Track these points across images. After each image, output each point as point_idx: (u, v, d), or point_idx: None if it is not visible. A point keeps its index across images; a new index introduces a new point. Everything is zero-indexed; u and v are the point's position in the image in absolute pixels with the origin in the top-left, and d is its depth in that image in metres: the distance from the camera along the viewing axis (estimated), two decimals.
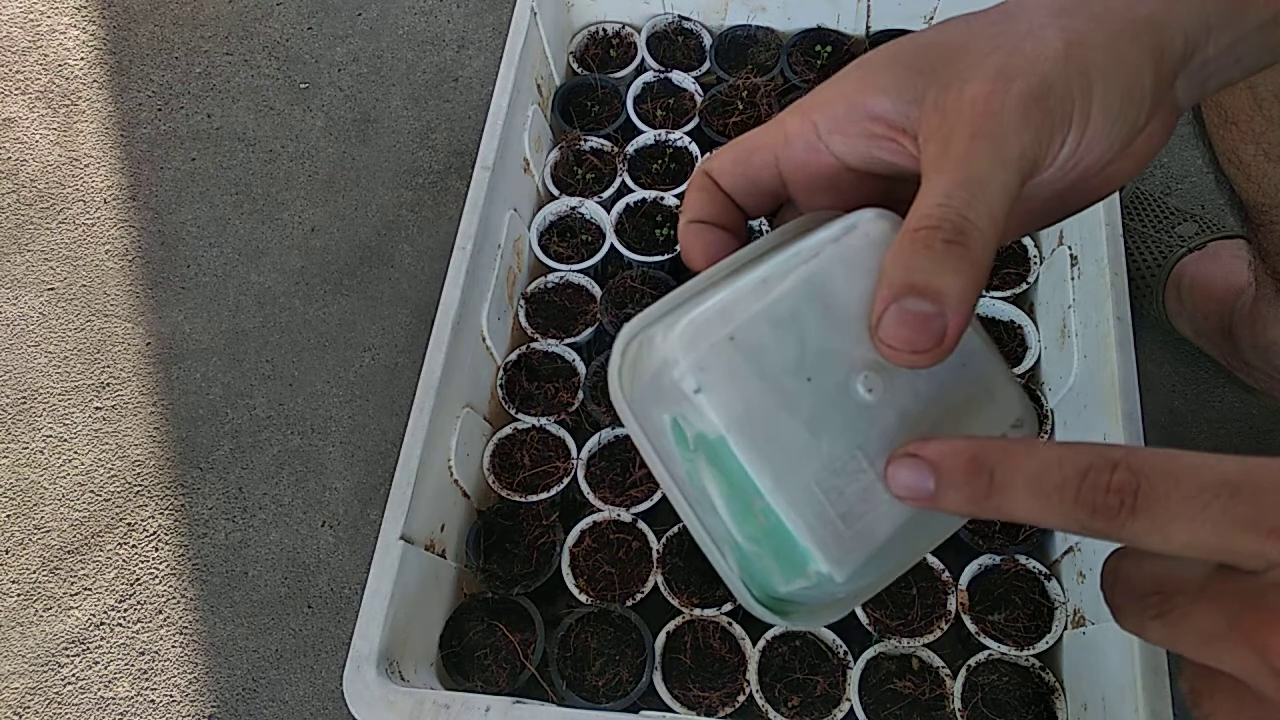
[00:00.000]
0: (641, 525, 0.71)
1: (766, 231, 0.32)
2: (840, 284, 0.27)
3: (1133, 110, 0.28)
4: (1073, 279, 0.74)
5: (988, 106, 0.26)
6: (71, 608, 0.82)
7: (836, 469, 0.26)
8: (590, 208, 0.85)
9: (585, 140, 0.88)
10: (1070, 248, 0.75)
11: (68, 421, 0.89)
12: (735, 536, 0.28)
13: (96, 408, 0.90)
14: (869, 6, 0.91)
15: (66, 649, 0.80)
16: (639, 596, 0.68)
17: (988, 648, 0.66)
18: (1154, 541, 0.23)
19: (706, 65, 0.92)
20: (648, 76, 0.91)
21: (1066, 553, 0.69)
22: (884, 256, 0.26)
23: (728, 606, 0.67)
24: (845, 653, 0.66)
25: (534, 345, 0.79)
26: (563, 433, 0.75)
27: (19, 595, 0.82)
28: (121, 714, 0.78)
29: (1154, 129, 0.30)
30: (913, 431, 0.27)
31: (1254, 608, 0.22)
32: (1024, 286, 0.79)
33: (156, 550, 0.83)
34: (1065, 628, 0.66)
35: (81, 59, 1.09)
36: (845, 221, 0.28)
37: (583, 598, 0.68)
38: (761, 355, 0.27)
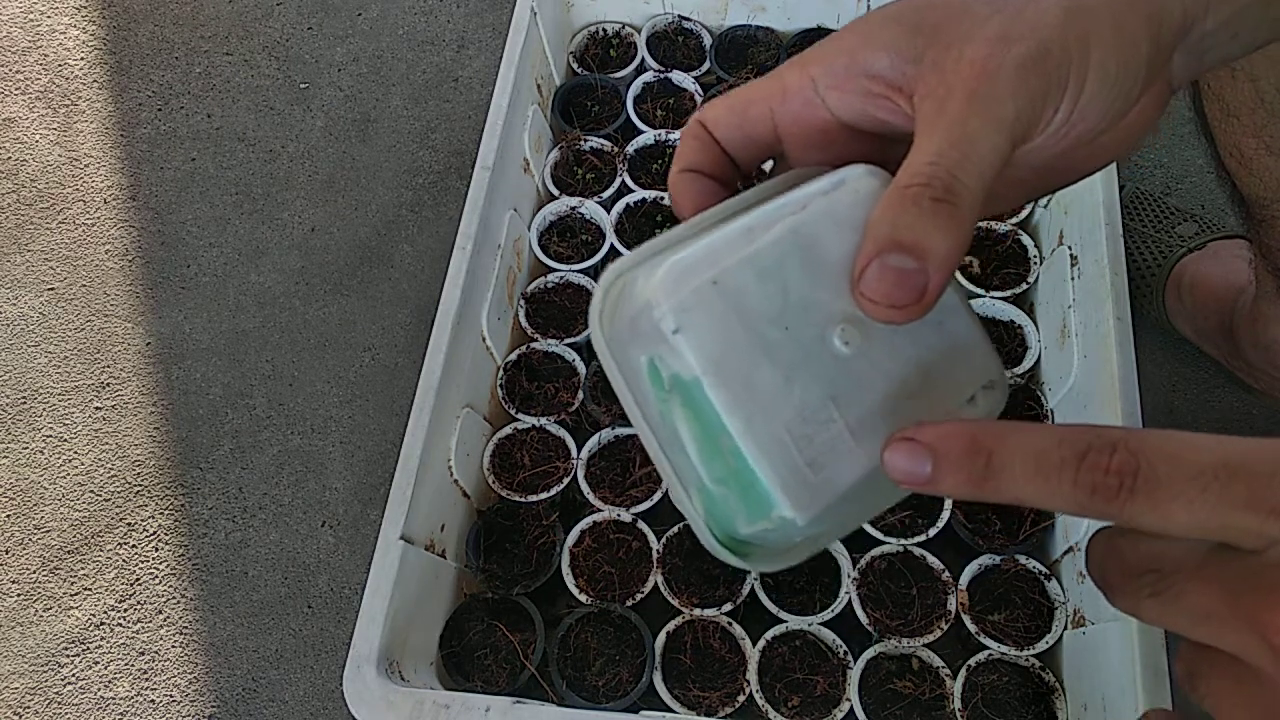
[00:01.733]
0: (641, 525, 0.71)
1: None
2: (826, 237, 0.28)
3: (1128, 80, 0.28)
4: (1073, 279, 0.74)
5: (985, 67, 0.26)
6: (71, 608, 0.82)
7: (807, 417, 0.27)
8: (590, 208, 0.85)
9: (585, 140, 0.88)
10: (1070, 248, 0.75)
11: (68, 421, 0.89)
12: (703, 477, 0.28)
13: (96, 408, 0.90)
14: (869, 6, 0.91)
15: (66, 649, 0.80)
16: (639, 596, 0.68)
17: (988, 648, 0.66)
18: (1153, 522, 0.23)
19: (706, 65, 0.92)
20: (648, 76, 0.91)
21: (1066, 553, 0.69)
22: (871, 212, 0.27)
23: (728, 606, 0.67)
24: (845, 653, 0.66)
25: (534, 345, 0.79)
26: (563, 433, 0.75)
27: (19, 595, 0.82)
28: (121, 714, 0.78)
29: (1147, 103, 0.30)
30: (886, 385, 0.28)
31: (1254, 587, 0.22)
32: (1024, 286, 0.79)
33: (156, 550, 0.83)
34: (1065, 628, 0.66)
35: (81, 59, 1.09)
36: (835, 176, 0.29)
37: (583, 598, 0.68)
38: (743, 301, 0.27)
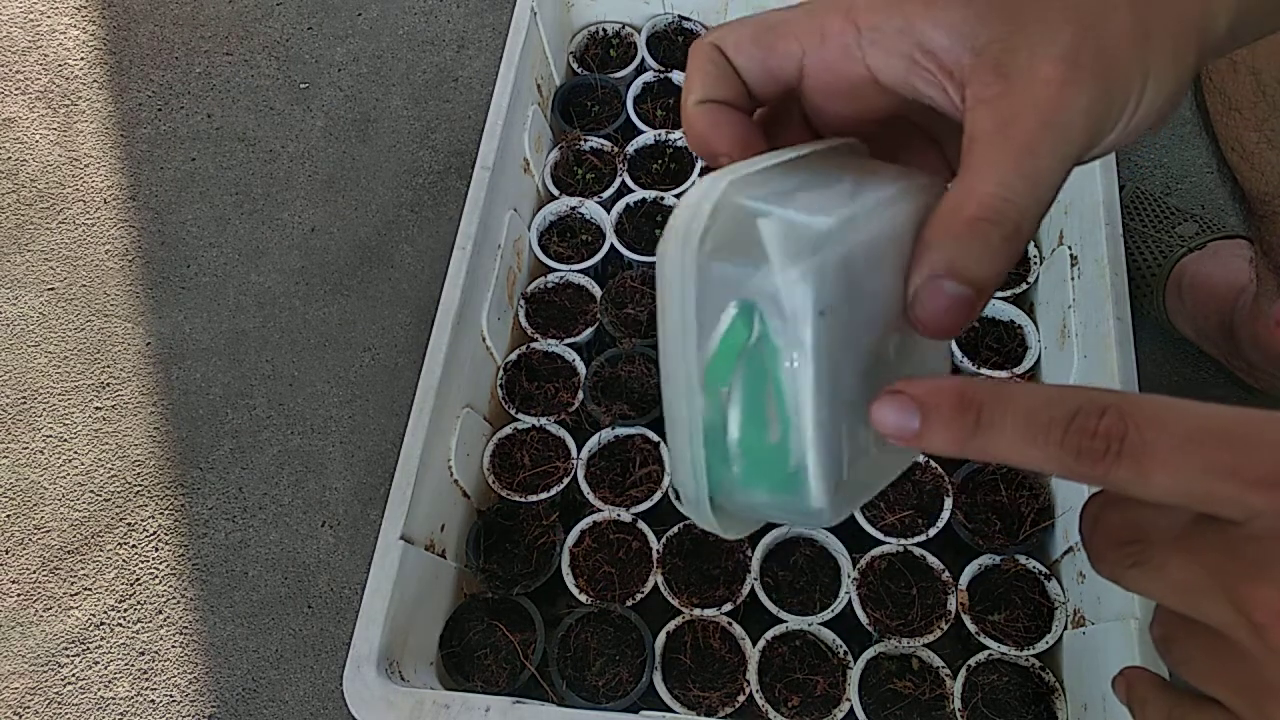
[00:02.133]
0: (641, 525, 0.71)
1: None
2: (906, 242, 0.27)
3: (1165, 114, 0.28)
4: (1073, 279, 0.74)
5: (1061, 97, 0.25)
6: (71, 608, 0.82)
7: (854, 417, 0.26)
8: (590, 208, 0.85)
9: (585, 140, 0.88)
10: (1070, 248, 0.75)
11: (68, 421, 0.89)
12: (730, 435, 0.27)
13: (96, 408, 0.90)
14: None
15: (66, 649, 0.80)
16: (639, 596, 0.68)
17: (988, 648, 0.66)
18: (1137, 488, 0.22)
19: None
20: (648, 76, 0.91)
21: (1066, 553, 0.68)
22: (930, 227, 0.26)
23: (728, 606, 0.67)
24: (845, 653, 0.66)
25: (534, 345, 0.79)
26: (563, 433, 0.75)
27: (19, 595, 0.82)
28: (121, 714, 0.78)
29: None
30: None
31: (1234, 560, 0.21)
32: (1024, 286, 0.79)
33: (156, 550, 0.83)
34: (1065, 628, 0.66)
35: (81, 59, 1.09)
36: (922, 179, 0.28)
37: (583, 598, 0.68)
38: (857, 292, 0.26)
